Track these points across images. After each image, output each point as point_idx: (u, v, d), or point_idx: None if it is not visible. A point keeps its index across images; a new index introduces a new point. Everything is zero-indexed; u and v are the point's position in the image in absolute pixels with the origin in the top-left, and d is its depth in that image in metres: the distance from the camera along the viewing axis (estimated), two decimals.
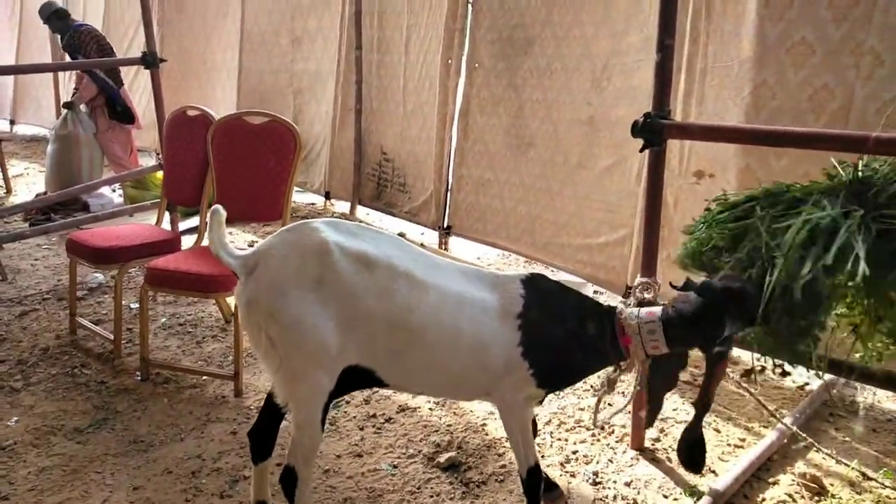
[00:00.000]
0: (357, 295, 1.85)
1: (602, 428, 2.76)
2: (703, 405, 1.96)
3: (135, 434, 2.73)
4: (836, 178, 1.95)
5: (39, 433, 2.72)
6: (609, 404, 2.72)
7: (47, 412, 2.86)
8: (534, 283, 2.01)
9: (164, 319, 3.79)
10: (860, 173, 1.89)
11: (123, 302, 3.77)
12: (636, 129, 2.25)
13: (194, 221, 4.87)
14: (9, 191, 6.73)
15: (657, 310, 1.97)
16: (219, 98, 7.02)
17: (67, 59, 5.89)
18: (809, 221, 1.77)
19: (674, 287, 1.94)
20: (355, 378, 1.97)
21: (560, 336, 1.97)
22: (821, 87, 2.89)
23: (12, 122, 10.34)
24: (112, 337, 3.35)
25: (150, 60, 4.27)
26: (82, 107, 5.79)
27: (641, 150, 2.29)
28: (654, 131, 2.22)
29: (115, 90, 5.66)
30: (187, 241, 3.71)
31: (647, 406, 2.14)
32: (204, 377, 3.16)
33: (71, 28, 5.72)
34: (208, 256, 3.19)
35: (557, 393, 2.90)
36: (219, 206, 1.99)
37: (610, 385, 2.28)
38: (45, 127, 9.87)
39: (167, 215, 4.18)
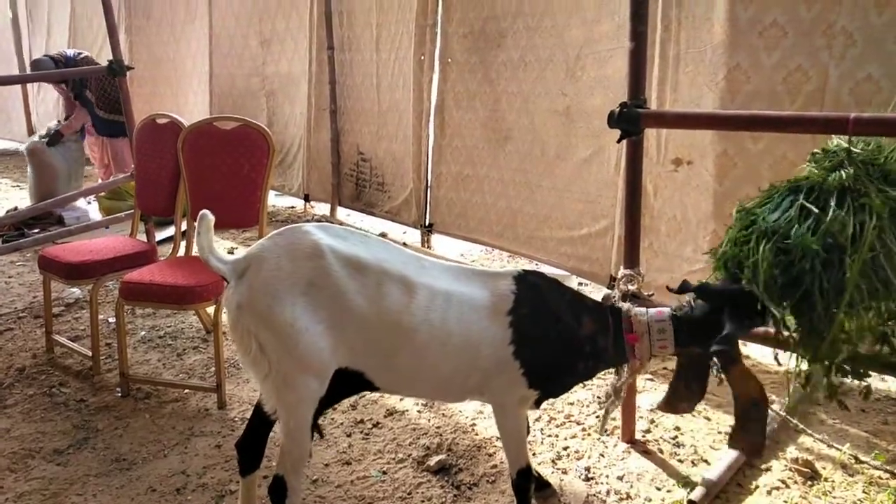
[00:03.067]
0: (348, 297, 1.82)
1: (608, 433, 2.71)
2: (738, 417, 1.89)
3: (117, 453, 2.66)
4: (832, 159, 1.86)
5: (17, 457, 2.64)
6: (613, 418, 2.68)
7: (25, 434, 2.79)
8: (526, 281, 1.97)
9: (143, 333, 3.72)
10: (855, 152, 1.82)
11: (101, 316, 3.70)
12: (613, 120, 2.22)
13: (170, 231, 4.79)
14: None
15: (666, 310, 1.96)
16: (191, 104, 6.91)
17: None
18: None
19: (670, 290, 1.92)
20: (345, 382, 1.93)
21: (553, 335, 1.93)
22: (795, 69, 2.88)
23: None
24: (90, 353, 3.28)
25: (116, 69, 4.17)
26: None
27: (619, 141, 2.26)
28: (630, 121, 2.19)
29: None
30: (165, 252, 3.64)
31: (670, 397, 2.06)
32: (186, 390, 3.09)
33: (65, 64, 5.63)
34: (185, 267, 3.12)
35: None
36: (206, 212, 1.95)
37: (616, 394, 2.25)
38: (14, 140, 9.69)
39: (142, 226, 4.09)
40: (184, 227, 3.41)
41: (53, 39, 8.44)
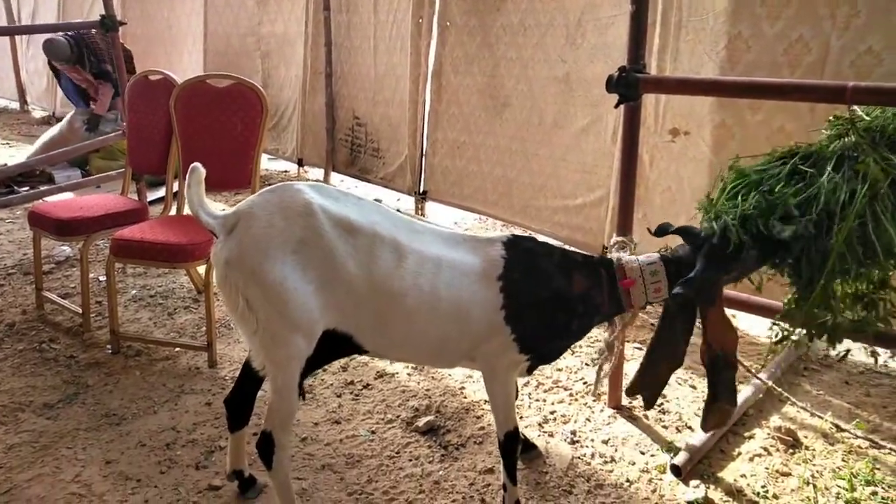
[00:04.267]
0: (339, 259, 1.81)
1: (599, 397, 2.74)
2: (709, 361, 1.90)
3: (106, 408, 2.67)
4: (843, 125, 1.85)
5: (7, 410, 2.65)
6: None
7: (15, 388, 2.79)
8: (516, 245, 1.97)
9: (134, 291, 3.71)
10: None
11: (92, 275, 3.68)
12: (611, 84, 2.19)
13: (162, 192, 4.75)
14: None
15: (655, 254, 1.97)
16: (185, 64, 6.80)
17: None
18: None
19: (650, 232, 1.92)
20: (333, 344, 1.93)
21: (545, 298, 1.93)
22: (796, 40, 2.85)
23: None
24: (80, 311, 3.27)
25: (108, 23, 4.09)
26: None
27: (616, 106, 2.24)
28: (629, 86, 2.16)
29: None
30: (156, 213, 3.61)
31: (641, 378, 2.08)
32: (177, 349, 3.10)
33: (76, 43, 5.51)
34: (176, 226, 3.10)
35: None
36: (198, 164, 1.92)
37: (610, 349, 2.26)
38: (4, 98, 9.55)
39: (133, 185, 4.06)
40: (176, 186, 3.38)
41: None
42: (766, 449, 2.42)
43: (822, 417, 2.53)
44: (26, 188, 5.32)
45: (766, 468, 2.33)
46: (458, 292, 1.88)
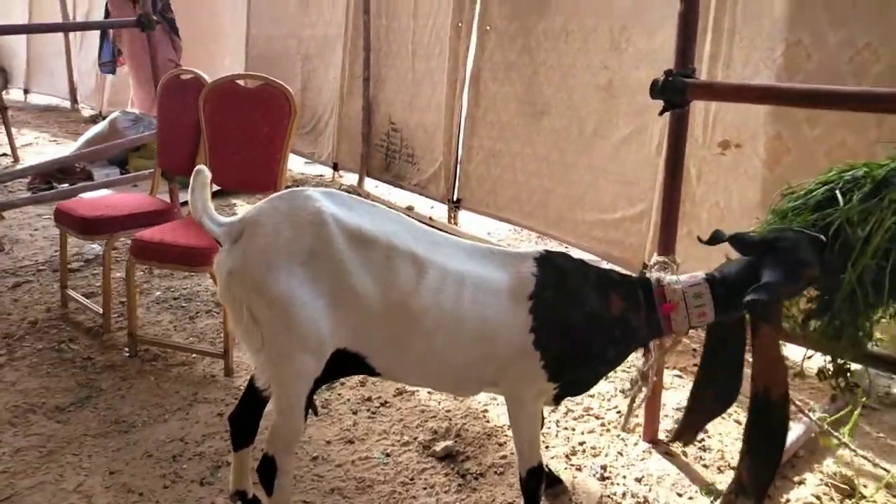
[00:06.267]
0: (352, 273, 1.67)
1: (632, 431, 2.53)
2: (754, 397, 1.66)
3: (117, 414, 2.60)
4: None
5: (19, 411, 2.60)
6: (636, 415, 2.50)
7: (29, 389, 2.74)
8: (549, 262, 1.80)
9: (158, 293, 3.66)
10: None
11: (119, 274, 3.64)
12: (656, 90, 2.01)
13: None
14: (16, 159, 6.63)
15: (699, 273, 1.77)
16: (228, 65, 6.81)
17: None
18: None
19: (700, 241, 1.73)
20: (343, 364, 1.79)
21: (580, 320, 1.76)
22: (863, 47, 2.61)
23: (26, 92, 10.26)
24: (102, 311, 3.22)
25: (145, 22, 4.08)
26: None
27: (661, 113, 2.05)
28: (675, 91, 1.98)
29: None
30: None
31: (687, 421, 1.87)
32: (194, 355, 3.01)
33: None
34: (198, 228, 3.02)
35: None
36: (202, 167, 1.81)
37: (644, 379, 2.08)
38: (58, 96, 9.79)
39: (166, 185, 4.02)
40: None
41: None
42: (818, 497, 2.18)
43: (884, 469, 2.27)
44: (65, 185, 5.37)
45: None
46: (484, 312, 1.72)
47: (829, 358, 1.83)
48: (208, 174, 1.79)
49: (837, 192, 1.61)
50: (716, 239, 1.72)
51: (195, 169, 1.78)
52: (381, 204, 1.85)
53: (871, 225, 1.49)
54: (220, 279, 1.72)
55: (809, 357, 1.93)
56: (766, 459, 1.63)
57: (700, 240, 1.72)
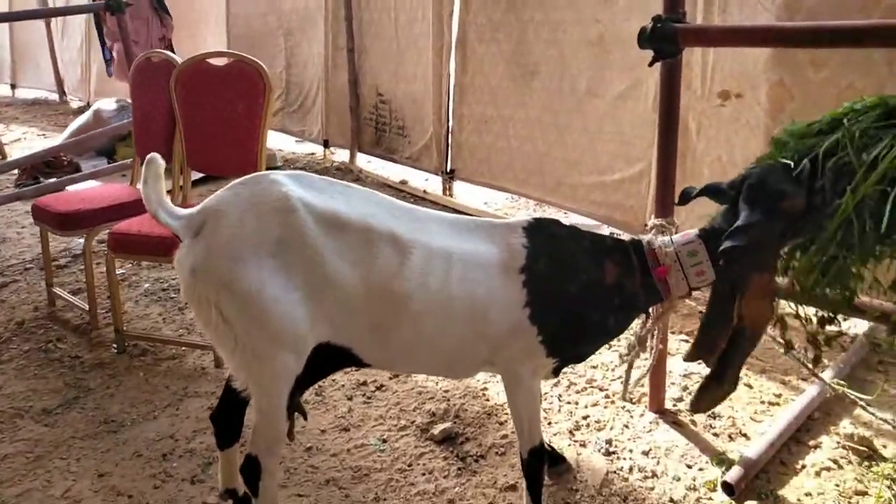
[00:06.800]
0: (327, 260, 1.54)
1: (637, 401, 2.44)
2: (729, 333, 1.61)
3: (106, 413, 2.51)
4: None
5: (5, 416, 2.52)
6: (642, 385, 2.39)
7: (16, 392, 2.66)
8: (539, 231, 1.69)
9: (146, 285, 3.56)
10: None
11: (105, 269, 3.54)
12: (644, 38, 1.86)
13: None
14: (3, 156, 6.52)
15: (692, 231, 1.66)
16: (209, 46, 6.63)
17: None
18: None
19: (674, 203, 1.63)
20: (328, 358, 1.68)
21: (576, 292, 1.65)
22: None
23: (13, 87, 10.12)
24: (88, 308, 3.13)
25: (113, 5, 3.91)
26: None
27: (651, 64, 1.90)
28: (665, 39, 1.82)
29: None
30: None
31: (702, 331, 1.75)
32: (183, 347, 2.92)
33: None
34: None
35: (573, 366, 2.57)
36: (156, 155, 1.67)
37: (640, 343, 1.97)
38: (45, 89, 9.63)
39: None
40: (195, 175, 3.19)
41: None
42: (836, 461, 2.08)
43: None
44: (53, 180, 5.25)
45: (837, 485, 1.99)
46: (474, 289, 1.60)
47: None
48: (161, 164, 1.66)
49: (845, 120, 1.47)
50: (686, 196, 1.61)
51: (147, 158, 1.65)
52: (359, 185, 1.72)
53: (878, 150, 1.35)
54: (182, 278, 1.59)
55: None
56: (733, 380, 1.67)
57: (674, 202, 1.61)
